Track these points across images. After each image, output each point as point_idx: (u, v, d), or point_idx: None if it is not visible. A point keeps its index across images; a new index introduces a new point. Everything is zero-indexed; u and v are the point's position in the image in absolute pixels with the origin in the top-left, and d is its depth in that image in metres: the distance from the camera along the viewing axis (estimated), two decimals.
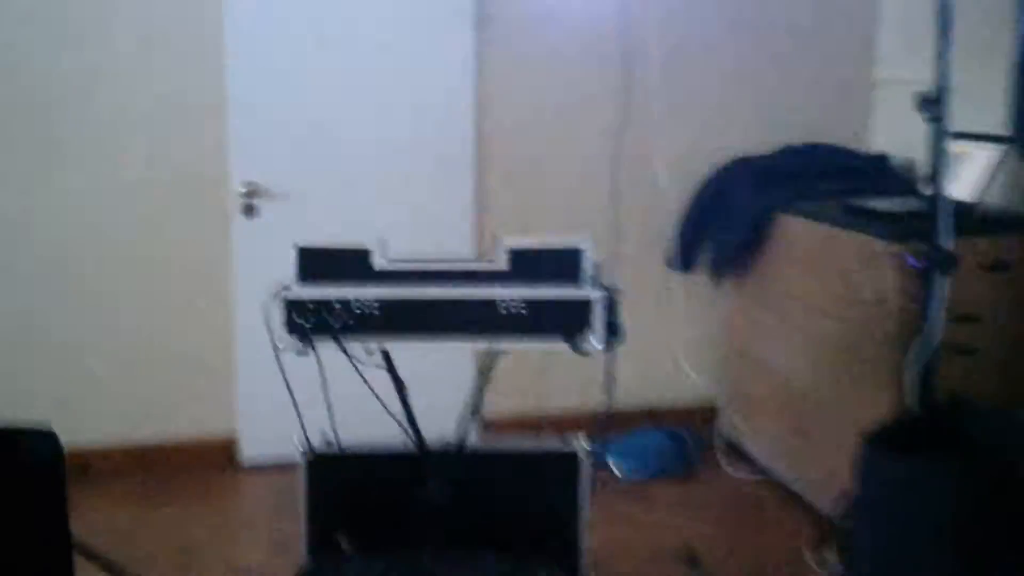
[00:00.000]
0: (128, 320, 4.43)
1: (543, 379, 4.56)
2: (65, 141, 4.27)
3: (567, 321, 2.74)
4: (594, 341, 2.76)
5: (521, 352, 4.27)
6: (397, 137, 4.48)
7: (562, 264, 2.73)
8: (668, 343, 4.74)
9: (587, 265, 2.74)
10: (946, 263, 3.00)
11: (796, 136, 4.69)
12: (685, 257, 4.65)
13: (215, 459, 4.57)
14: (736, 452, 4.65)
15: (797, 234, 4.09)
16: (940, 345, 3.16)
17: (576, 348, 2.78)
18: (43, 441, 2.92)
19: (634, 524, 4.08)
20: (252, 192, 4.40)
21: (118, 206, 4.35)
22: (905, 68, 4.41)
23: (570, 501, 3.12)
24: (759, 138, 4.68)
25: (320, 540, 3.05)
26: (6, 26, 4.14)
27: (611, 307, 2.85)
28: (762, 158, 4.62)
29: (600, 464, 4.56)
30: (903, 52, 4.50)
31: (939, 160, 2.95)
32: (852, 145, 4.71)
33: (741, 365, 4.63)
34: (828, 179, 4.36)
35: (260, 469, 4.53)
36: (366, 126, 4.45)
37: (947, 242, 3.01)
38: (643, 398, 4.81)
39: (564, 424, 4.40)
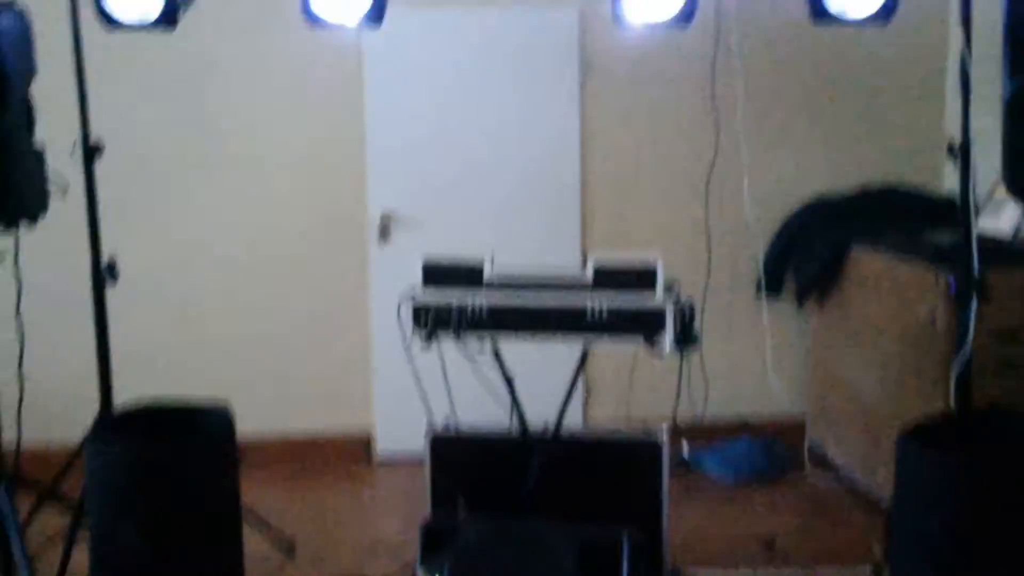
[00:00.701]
0: (281, 329, 5.19)
1: (641, 392, 5.08)
2: (231, 177, 5.08)
3: (643, 326, 3.33)
4: (666, 343, 3.34)
5: (620, 367, 4.83)
6: (512, 169, 5.14)
7: (640, 278, 3.33)
8: (758, 362, 5.22)
9: (660, 279, 3.33)
10: (975, 287, 3.47)
11: (873, 178, 5.16)
12: (772, 284, 5.17)
13: (353, 452, 5.26)
14: (821, 460, 5.10)
15: (866, 264, 4.59)
16: (978, 359, 3.62)
17: (652, 349, 3.37)
18: (219, 416, 3.65)
19: (722, 518, 4.60)
20: (387, 219, 5.12)
21: (275, 232, 5.13)
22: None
23: (653, 483, 3.66)
24: (838, 180, 5.18)
25: (441, 504, 3.69)
26: (172, 80, 4.96)
27: (684, 317, 3.43)
28: (841, 197, 5.13)
29: (697, 468, 5.10)
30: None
31: (966, 200, 3.43)
32: (926, 188, 5.16)
33: (823, 381, 5.11)
34: (899, 217, 4.83)
35: (393, 463, 5.20)
36: (485, 160, 5.13)
37: (976, 269, 3.47)
38: (736, 411, 5.30)
39: None
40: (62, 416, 4.39)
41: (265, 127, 5.08)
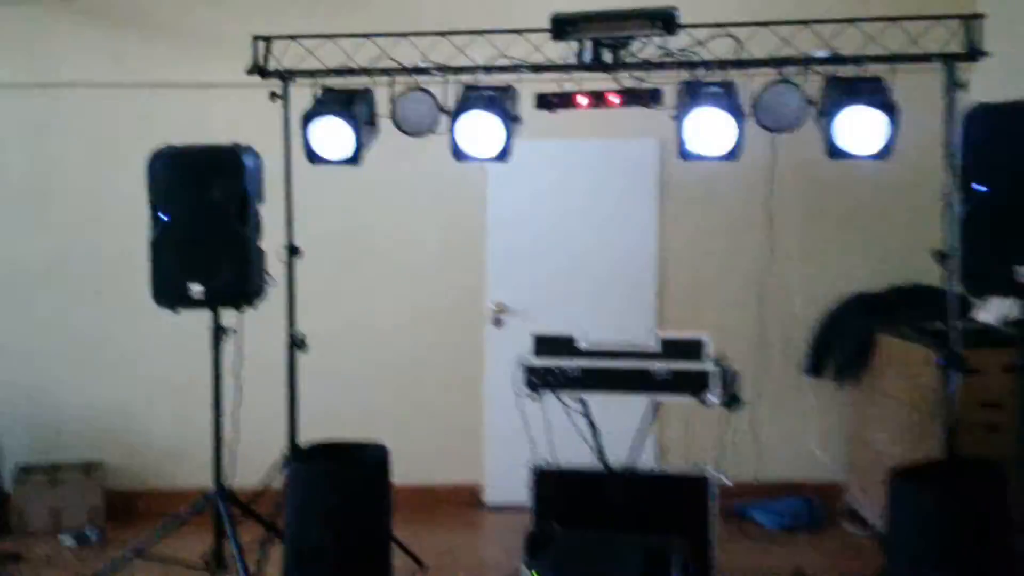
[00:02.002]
0: (411, 397, 6.41)
1: (704, 451, 6.11)
2: (384, 273, 6.41)
3: (692, 385, 4.47)
4: (711, 399, 4.47)
5: (688, 432, 5.80)
6: (602, 269, 6.36)
7: (690, 348, 4.48)
8: (803, 431, 6.25)
9: (708, 349, 4.47)
10: (955, 361, 4.52)
11: (902, 279, 6.23)
12: (815, 366, 6.25)
13: (466, 500, 6.42)
14: (857, 517, 6.09)
15: (888, 347, 5.67)
16: (967, 421, 4.65)
17: (702, 402, 4.49)
18: (378, 450, 4.85)
19: (765, 555, 5.64)
20: (500, 309, 6.36)
21: (413, 316, 6.44)
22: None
23: (703, 508, 4.74)
24: (873, 280, 6.27)
25: (541, 521, 4.80)
26: (347, 198, 6.28)
27: (728, 381, 4.55)
28: (874, 294, 6.21)
29: (749, 518, 6.13)
30: None
31: (951, 297, 4.50)
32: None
33: (856, 447, 6.14)
34: (920, 310, 5.83)
35: (498, 510, 6.34)
36: (580, 262, 6.36)
37: (958, 348, 4.53)
38: (784, 473, 6.33)
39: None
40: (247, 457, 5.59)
41: (410, 233, 6.44)
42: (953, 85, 4.61)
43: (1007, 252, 4.22)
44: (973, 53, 4.63)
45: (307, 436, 5.14)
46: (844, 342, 6.13)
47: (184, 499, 5.86)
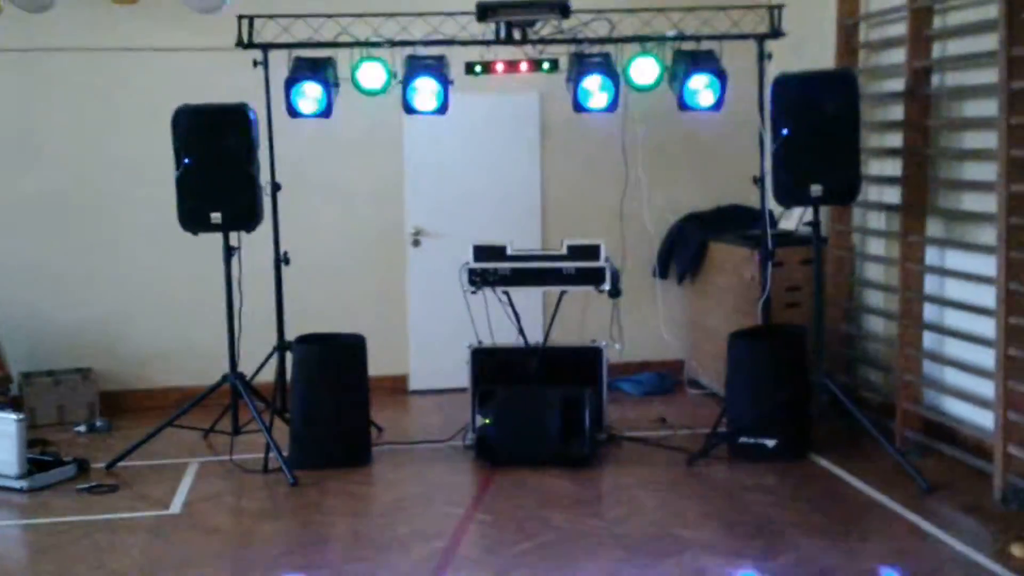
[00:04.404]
0: (349, 303, 7.91)
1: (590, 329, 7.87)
2: (327, 201, 7.86)
3: (592, 278, 6.20)
4: (606, 286, 6.21)
5: (579, 315, 7.47)
6: (498, 195, 8.00)
7: (590, 251, 6.20)
8: (654, 321, 8.06)
9: (601, 253, 6.20)
10: (769, 257, 6.40)
11: (725, 201, 8.11)
12: (662, 270, 8.11)
13: (395, 387, 8.01)
14: (697, 384, 8.01)
15: (718, 252, 7.56)
16: (775, 301, 6.57)
17: (598, 290, 6.23)
18: (358, 338, 6.39)
19: (636, 410, 7.49)
20: (418, 232, 7.94)
21: (350, 240, 7.92)
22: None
23: (598, 370, 6.51)
24: (704, 202, 8.14)
25: (480, 385, 6.45)
26: (310, 145, 7.67)
27: (614, 275, 6.30)
28: (705, 212, 8.10)
29: (618, 389, 7.95)
30: None
31: (763, 211, 6.35)
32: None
33: (696, 332, 8.03)
34: (739, 223, 7.74)
35: (423, 394, 7.97)
36: (480, 190, 7.98)
37: (769, 247, 6.40)
38: (640, 355, 8.14)
39: None
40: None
41: (347, 174, 7.92)
42: (762, 57, 6.45)
43: (804, 175, 6.08)
44: (776, 33, 6.50)
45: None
46: (684, 250, 8.00)
47: (166, 397, 7.33)
